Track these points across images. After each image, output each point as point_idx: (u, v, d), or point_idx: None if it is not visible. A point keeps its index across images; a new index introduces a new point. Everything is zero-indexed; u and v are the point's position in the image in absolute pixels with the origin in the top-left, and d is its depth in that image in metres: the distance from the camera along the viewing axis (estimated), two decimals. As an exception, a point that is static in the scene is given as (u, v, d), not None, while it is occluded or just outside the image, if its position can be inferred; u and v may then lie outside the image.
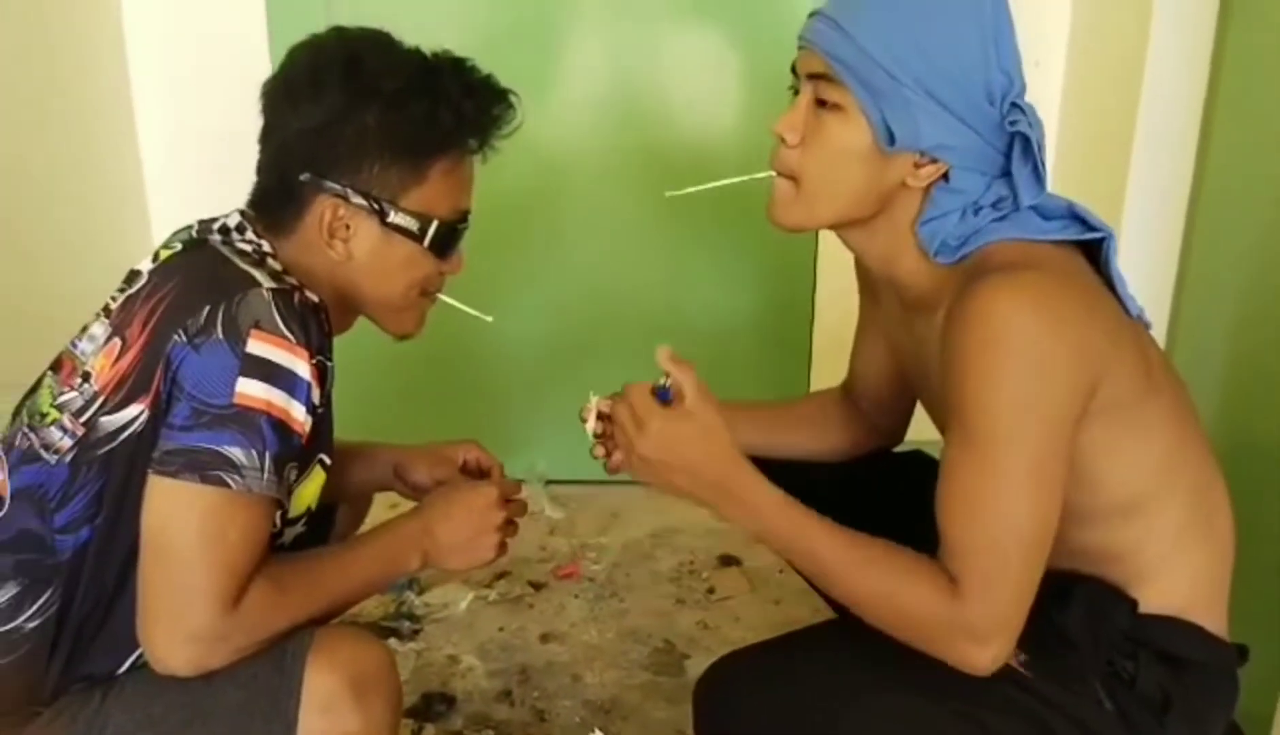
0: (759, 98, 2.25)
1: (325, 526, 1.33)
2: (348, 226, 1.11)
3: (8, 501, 1.05)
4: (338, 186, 1.09)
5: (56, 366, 1.12)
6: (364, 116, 1.07)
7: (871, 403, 1.40)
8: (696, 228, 2.40)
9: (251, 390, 0.97)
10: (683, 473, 1.07)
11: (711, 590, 2.09)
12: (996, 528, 0.97)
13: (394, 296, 1.16)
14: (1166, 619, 1.04)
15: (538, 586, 2.10)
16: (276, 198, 1.12)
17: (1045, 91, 2.32)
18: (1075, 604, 1.03)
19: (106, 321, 1.09)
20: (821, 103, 1.05)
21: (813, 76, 1.06)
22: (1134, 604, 1.03)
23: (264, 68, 1.18)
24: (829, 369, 2.17)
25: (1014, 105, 1.02)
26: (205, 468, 0.96)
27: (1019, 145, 1.03)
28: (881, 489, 1.16)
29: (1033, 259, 1.01)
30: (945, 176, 1.04)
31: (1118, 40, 2.06)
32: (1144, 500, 1.03)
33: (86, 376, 1.06)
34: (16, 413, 1.14)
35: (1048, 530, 0.98)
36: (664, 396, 1.10)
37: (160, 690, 0.99)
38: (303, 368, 1.00)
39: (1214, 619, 1.06)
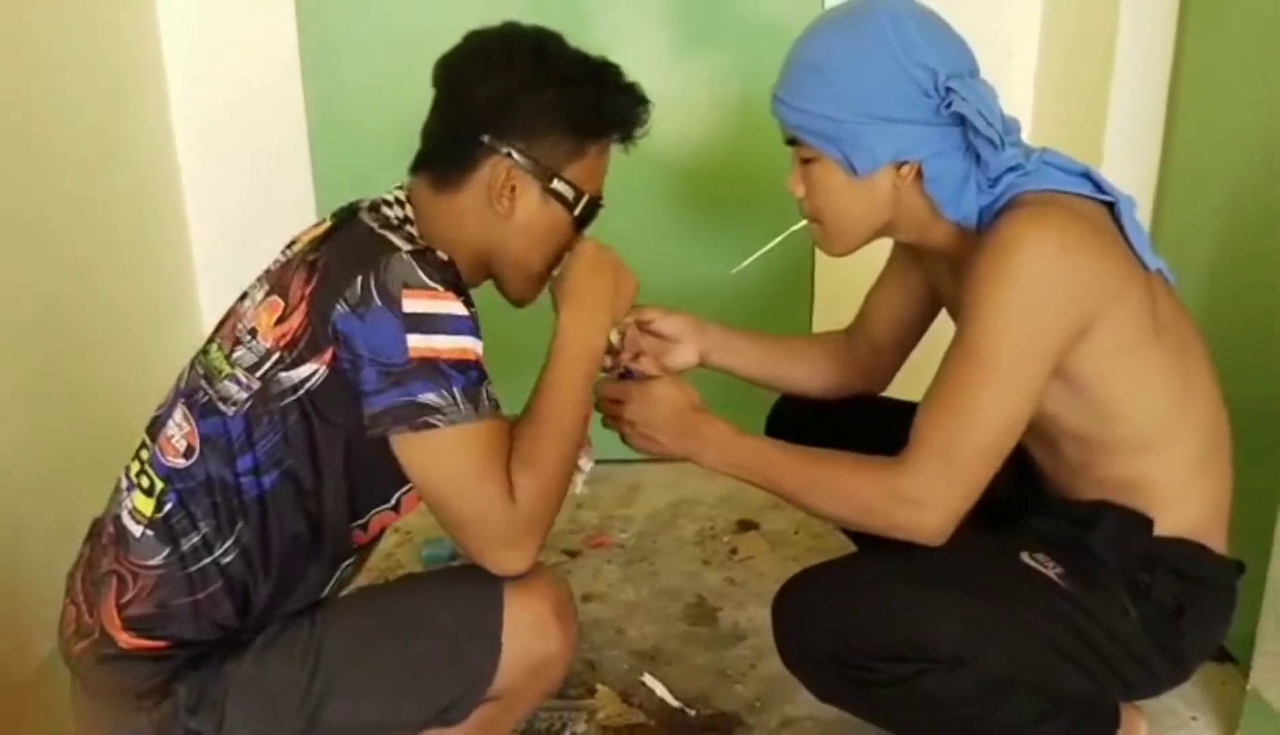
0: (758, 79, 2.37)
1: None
2: (514, 188, 1.20)
3: (198, 449, 1.16)
4: (513, 149, 1.20)
5: (220, 326, 1.23)
6: (545, 92, 1.19)
7: (872, 347, 1.54)
8: (696, 195, 2.46)
9: (420, 343, 1.08)
10: (662, 431, 1.30)
11: (734, 551, 2.23)
12: (956, 413, 1.13)
13: (535, 262, 1.27)
14: (1179, 540, 1.21)
15: (572, 555, 2.24)
16: (448, 156, 1.22)
17: (1018, 80, 2.40)
18: (1101, 527, 1.20)
19: (266, 283, 1.20)
20: (804, 159, 1.25)
21: (789, 142, 1.27)
22: (1150, 526, 1.21)
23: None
24: (831, 325, 2.29)
25: (949, 88, 1.16)
26: (411, 418, 1.08)
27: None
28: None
29: (1055, 200, 1.17)
30: (922, 171, 1.20)
31: (1089, 27, 2.16)
32: (1160, 435, 1.20)
33: (253, 332, 1.16)
34: (190, 367, 1.24)
35: (1005, 432, 1.13)
36: (630, 376, 1.34)
37: (370, 610, 1.11)
38: (456, 307, 1.10)
39: (1218, 540, 1.24)
